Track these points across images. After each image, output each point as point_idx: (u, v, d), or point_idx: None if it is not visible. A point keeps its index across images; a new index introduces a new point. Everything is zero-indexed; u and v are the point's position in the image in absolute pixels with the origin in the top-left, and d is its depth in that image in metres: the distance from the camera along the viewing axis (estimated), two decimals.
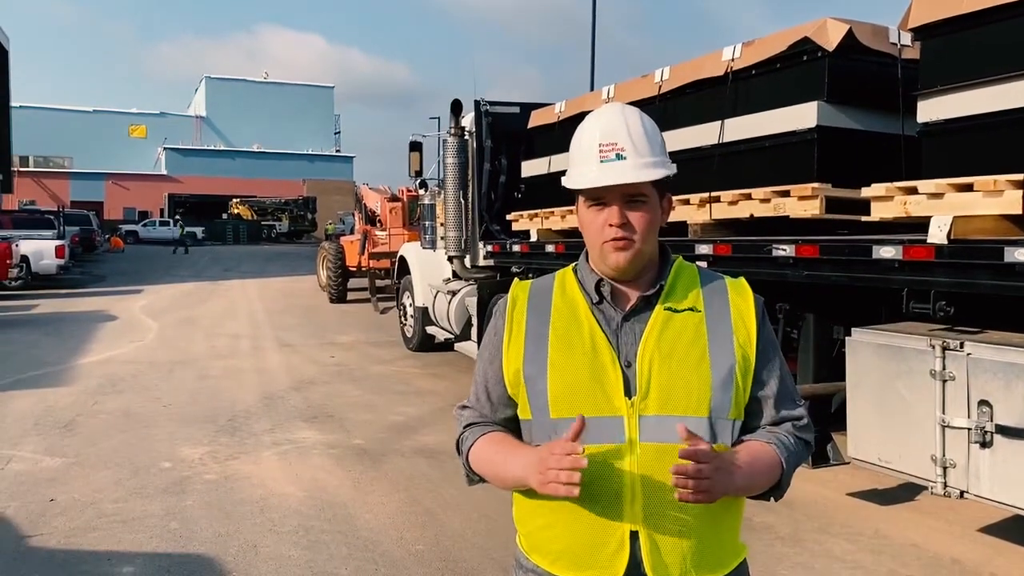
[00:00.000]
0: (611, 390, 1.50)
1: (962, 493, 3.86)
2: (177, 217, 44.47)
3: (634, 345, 1.52)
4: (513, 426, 1.65)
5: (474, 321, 8.78)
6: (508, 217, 8.78)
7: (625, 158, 1.51)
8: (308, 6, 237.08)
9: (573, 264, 1.67)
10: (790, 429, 1.60)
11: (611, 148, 1.52)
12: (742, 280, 1.64)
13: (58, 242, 21.23)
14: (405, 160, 10.53)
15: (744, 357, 1.54)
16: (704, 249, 5.48)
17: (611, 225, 1.52)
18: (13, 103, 31.83)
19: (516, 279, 1.73)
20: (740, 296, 1.60)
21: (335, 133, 67.34)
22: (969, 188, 3.90)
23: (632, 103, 6.67)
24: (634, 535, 1.47)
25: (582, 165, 1.56)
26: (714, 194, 5.63)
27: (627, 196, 1.52)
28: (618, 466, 1.48)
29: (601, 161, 1.52)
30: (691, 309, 1.56)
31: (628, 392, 1.50)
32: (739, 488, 1.48)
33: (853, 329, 4.47)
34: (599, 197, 1.54)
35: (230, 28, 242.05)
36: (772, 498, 1.60)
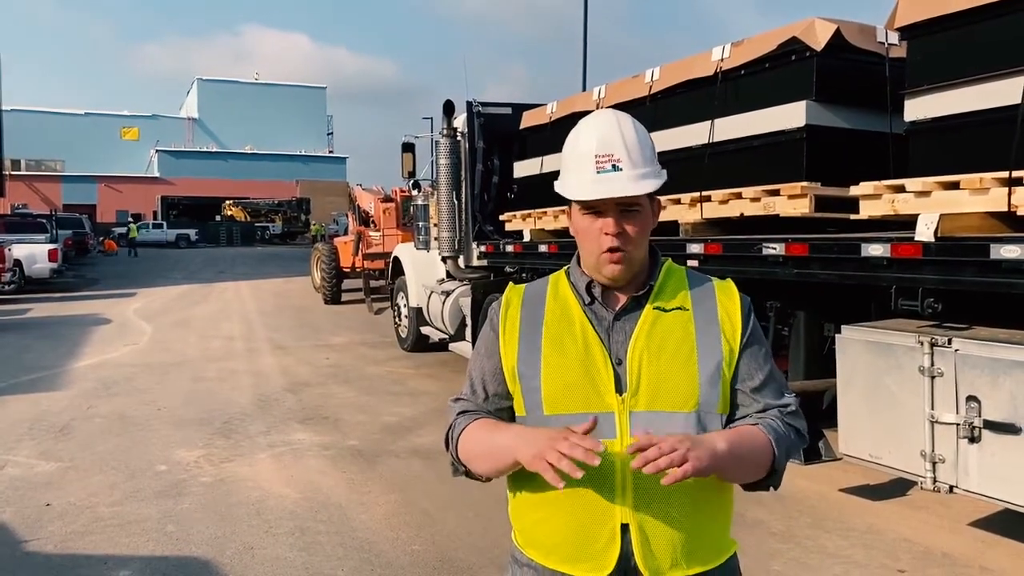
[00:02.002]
0: (603, 387, 1.54)
1: (951, 488, 3.90)
2: (130, 220, 44.48)
3: (625, 343, 1.57)
4: (507, 418, 1.68)
5: (468, 321, 8.80)
6: (501, 217, 8.82)
7: (621, 169, 1.55)
8: (291, 5, 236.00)
9: (566, 267, 1.71)
10: (776, 415, 1.60)
11: (607, 159, 1.55)
12: (729, 281, 1.69)
13: (51, 246, 21.25)
14: (397, 160, 10.55)
15: (730, 352, 1.59)
16: (695, 248, 5.52)
17: (607, 234, 1.56)
18: (4, 106, 31.71)
19: (511, 283, 1.76)
20: (727, 296, 1.65)
21: (328, 134, 67.25)
22: (956, 186, 3.94)
23: (623, 103, 6.73)
24: (624, 528, 1.51)
25: (578, 174, 1.59)
26: (705, 193, 5.67)
27: (622, 206, 1.56)
28: (609, 461, 1.50)
29: (598, 172, 1.55)
30: (680, 308, 1.61)
31: (619, 389, 1.54)
32: (727, 459, 1.45)
33: (843, 326, 4.51)
34: (594, 206, 1.58)
35: (213, 29, 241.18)
36: (771, 487, 1.61)
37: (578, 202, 1.60)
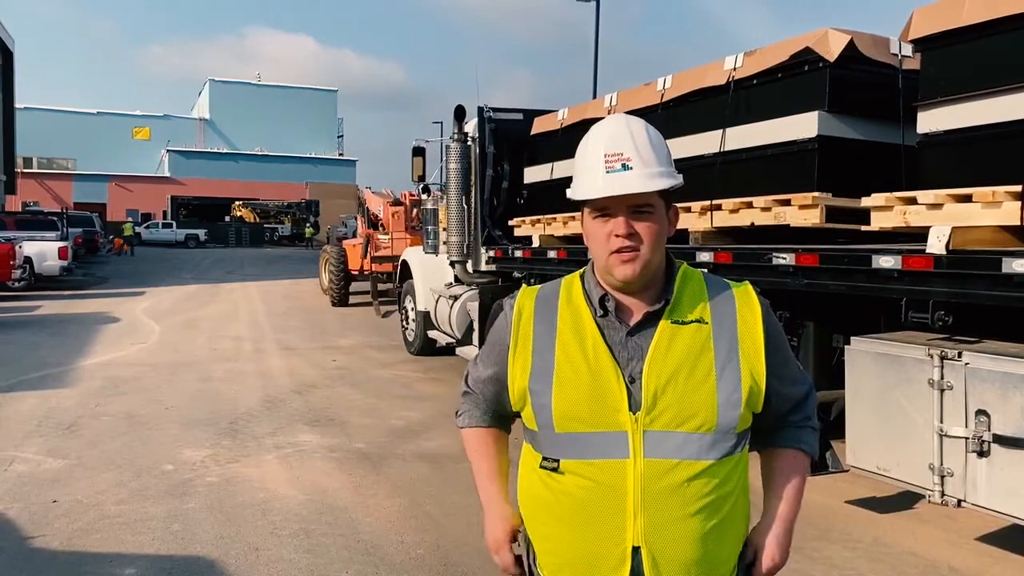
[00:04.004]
0: (616, 405, 1.49)
1: (959, 502, 3.88)
2: (129, 219, 45.09)
3: (640, 361, 1.51)
4: (506, 413, 1.76)
5: (475, 326, 8.80)
6: (510, 223, 8.81)
7: (631, 168, 1.50)
8: (295, 7, 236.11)
9: (581, 271, 1.66)
10: (803, 424, 1.71)
11: (617, 158, 1.50)
12: (747, 286, 1.63)
13: (61, 244, 21.33)
14: (403, 163, 10.64)
15: (752, 373, 1.53)
16: (705, 257, 5.51)
17: (617, 235, 1.50)
18: (17, 104, 31.93)
19: (524, 285, 1.75)
20: (747, 306, 1.59)
21: (338, 136, 67.41)
22: (968, 199, 3.92)
23: (635, 111, 6.71)
24: (636, 550, 1.48)
25: (587, 176, 1.54)
26: (715, 202, 5.66)
27: (633, 207, 1.51)
28: (621, 481, 1.47)
29: (607, 172, 1.50)
30: (698, 321, 1.54)
31: (633, 407, 1.48)
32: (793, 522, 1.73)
33: (852, 338, 4.49)
34: (605, 208, 1.52)
35: (217, 31, 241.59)
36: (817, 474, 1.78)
37: (588, 204, 1.55)
